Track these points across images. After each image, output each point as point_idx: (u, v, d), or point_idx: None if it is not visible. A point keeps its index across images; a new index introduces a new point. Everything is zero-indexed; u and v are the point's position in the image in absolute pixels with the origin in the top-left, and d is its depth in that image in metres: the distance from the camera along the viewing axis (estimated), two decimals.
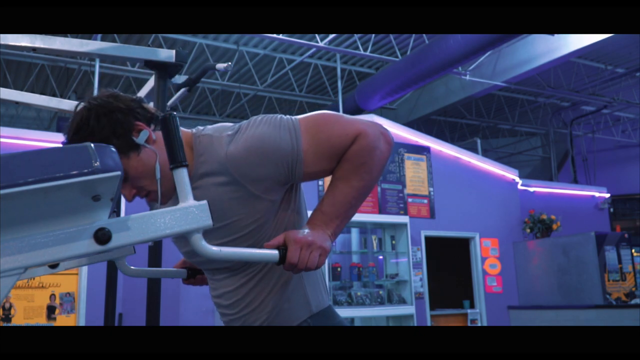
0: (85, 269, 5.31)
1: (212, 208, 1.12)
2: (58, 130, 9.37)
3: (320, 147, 1.18)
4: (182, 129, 1.25)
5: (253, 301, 1.26)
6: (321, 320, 1.27)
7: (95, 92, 7.94)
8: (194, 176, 1.21)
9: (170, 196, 1.23)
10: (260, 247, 1.17)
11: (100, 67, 8.19)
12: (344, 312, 6.21)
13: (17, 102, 2.87)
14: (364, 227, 7.12)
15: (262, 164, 1.15)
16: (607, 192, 9.70)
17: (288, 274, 1.25)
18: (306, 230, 1.13)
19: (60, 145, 0.96)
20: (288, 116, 1.22)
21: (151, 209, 1.35)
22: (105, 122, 1.15)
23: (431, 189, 7.40)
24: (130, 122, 1.17)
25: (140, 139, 1.17)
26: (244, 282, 1.26)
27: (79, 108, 1.18)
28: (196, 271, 1.49)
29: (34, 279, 5.02)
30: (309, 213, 1.24)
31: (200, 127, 1.27)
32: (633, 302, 6.77)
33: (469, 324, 7.20)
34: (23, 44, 2.19)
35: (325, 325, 1.27)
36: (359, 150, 1.17)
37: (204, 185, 1.19)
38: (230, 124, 1.24)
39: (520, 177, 8.43)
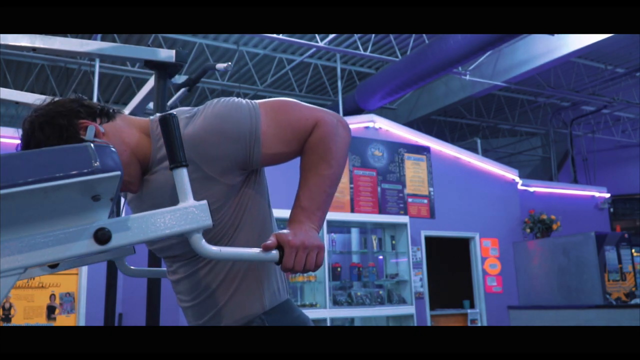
0: (85, 269, 5.32)
1: (168, 192, 1.13)
2: None
3: (279, 129, 1.19)
4: (139, 118, 1.28)
5: (205, 289, 1.25)
6: (276, 317, 1.25)
7: (95, 92, 7.91)
8: (152, 163, 1.22)
9: (137, 183, 1.24)
10: (219, 230, 1.19)
11: (100, 67, 8.19)
12: (344, 312, 6.22)
13: (17, 102, 2.87)
14: (364, 227, 7.12)
15: (220, 142, 1.15)
16: (607, 192, 9.70)
17: (240, 264, 1.24)
18: (296, 231, 1.12)
19: (60, 145, 0.96)
20: (247, 99, 1.23)
21: (125, 199, 1.36)
22: (49, 130, 1.15)
23: (431, 189, 7.40)
24: (73, 123, 1.17)
25: (88, 136, 1.17)
26: (197, 269, 1.26)
27: (25, 124, 1.18)
28: None
29: (34, 279, 5.02)
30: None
31: (158, 114, 1.26)
32: (633, 302, 6.77)
33: (469, 324, 7.20)
34: (23, 44, 2.19)
35: (279, 325, 1.24)
36: (320, 138, 1.19)
37: (161, 169, 1.20)
38: (188, 108, 1.24)
39: (520, 177, 8.44)
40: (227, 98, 1.22)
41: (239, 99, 1.23)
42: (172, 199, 1.08)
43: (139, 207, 1.28)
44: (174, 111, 1.22)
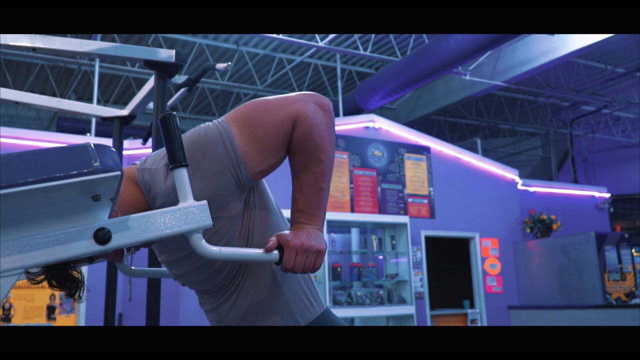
0: (85, 269, 5.29)
1: (173, 244, 1.11)
2: (58, 130, 9.37)
3: (259, 144, 1.11)
4: (127, 167, 1.19)
5: (233, 322, 1.24)
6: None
7: (95, 92, 7.88)
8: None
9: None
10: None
11: (100, 67, 8.19)
12: (344, 312, 6.21)
13: (17, 102, 2.87)
14: (364, 227, 7.12)
15: (203, 185, 1.08)
16: (607, 192, 9.70)
17: (261, 293, 1.21)
18: (298, 232, 1.11)
19: (60, 145, 0.96)
20: (215, 121, 1.13)
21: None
22: None
23: (431, 189, 7.40)
24: None
25: None
26: (220, 303, 1.24)
27: None
28: None
29: None
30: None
31: (141, 160, 1.21)
32: (633, 302, 6.77)
33: (469, 324, 7.20)
34: (23, 44, 2.19)
35: (323, 326, 1.25)
36: (303, 135, 1.12)
37: None
38: (163, 149, 1.13)
39: (520, 177, 8.44)
40: (194, 132, 1.12)
41: (206, 125, 1.13)
42: (179, 244, 1.10)
43: (161, 251, 1.26)
44: (151, 155, 1.18)
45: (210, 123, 1.13)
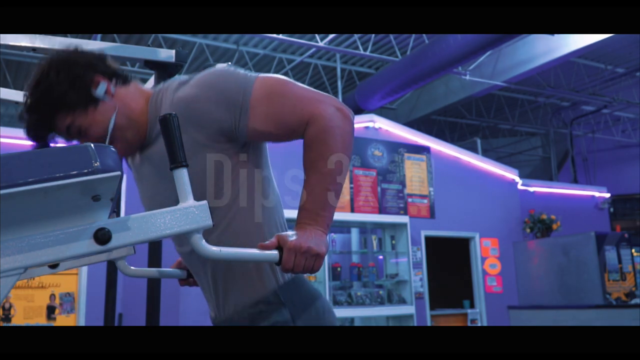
0: (85, 269, 5.31)
1: (162, 163, 1.13)
2: None
3: (270, 109, 1.16)
4: (145, 88, 1.29)
5: (216, 266, 1.25)
6: (290, 289, 1.23)
7: None
8: (148, 137, 1.24)
9: (132, 148, 1.26)
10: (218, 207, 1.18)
11: None
12: (344, 312, 6.22)
13: (17, 102, 2.87)
14: (364, 227, 7.12)
15: (207, 107, 1.15)
16: (607, 192, 9.70)
17: (243, 236, 1.22)
18: (299, 233, 1.11)
19: (60, 145, 0.96)
20: (248, 71, 1.21)
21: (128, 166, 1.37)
22: (63, 75, 1.17)
23: (431, 189, 7.40)
24: (89, 75, 1.20)
25: (99, 91, 1.19)
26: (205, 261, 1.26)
27: (42, 63, 1.20)
28: None
29: (34, 279, 5.02)
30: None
31: (161, 85, 1.28)
32: (633, 302, 6.77)
33: (469, 324, 7.20)
34: (23, 44, 2.19)
35: (294, 297, 1.23)
36: (316, 133, 1.15)
37: (159, 142, 1.19)
38: (186, 76, 1.24)
39: (520, 177, 8.44)
40: (225, 66, 1.21)
41: (239, 69, 1.21)
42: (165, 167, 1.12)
43: (141, 174, 1.30)
44: (171, 79, 1.26)
45: (242, 70, 1.21)
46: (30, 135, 1.21)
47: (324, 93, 1.21)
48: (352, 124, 1.20)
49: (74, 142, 1.23)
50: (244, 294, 1.24)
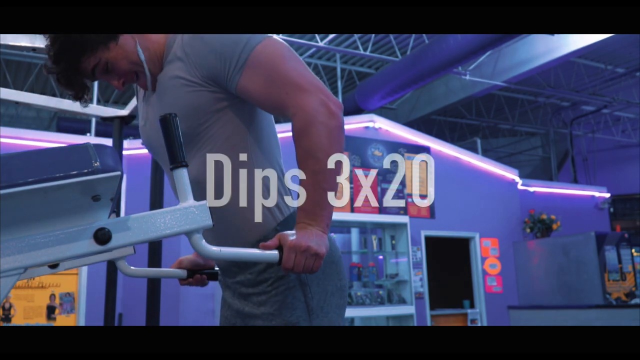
0: (85, 269, 5.32)
1: (172, 84, 1.22)
2: (58, 130, 9.37)
3: (261, 79, 1.18)
4: (162, 35, 1.32)
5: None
6: (290, 226, 1.23)
7: (95, 92, 7.87)
8: (164, 61, 1.28)
9: (155, 81, 1.30)
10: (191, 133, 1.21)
11: None
12: None
13: (17, 102, 2.87)
14: (364, 227, 7.12)
15: (206, 49, 1.19)
16: (607, 192, 9.70)
17: (241, 186, 1.23)
18: (299, 233, 1.11)
19: (60, 145, 0.96)
20: (263, 39, 1.22)
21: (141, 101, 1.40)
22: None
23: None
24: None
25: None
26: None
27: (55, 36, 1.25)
28: (194, 272, 1.49)
29: (34, 279, 5.02)
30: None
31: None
32: (633, 302, 6.77)
33: (469, 324, 7.20)
34: (23, 44, 2.19)
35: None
36: (300, 129, 1.15)
37: (167, 65, 1.26)
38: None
39: (520, 177, 8.44)
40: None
41: (253, 36, 1.23)
42: (175, 92, 1.20)
43: (149, 103, 1.33)
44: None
45: (251, 36, 1.22)
46: (62, 84, 1.28)
47: (315, 81, 1.19)
48: (339, 118, 1.17)
49: (106, 81, 1.29)
50: (247, 237, 1.25)
